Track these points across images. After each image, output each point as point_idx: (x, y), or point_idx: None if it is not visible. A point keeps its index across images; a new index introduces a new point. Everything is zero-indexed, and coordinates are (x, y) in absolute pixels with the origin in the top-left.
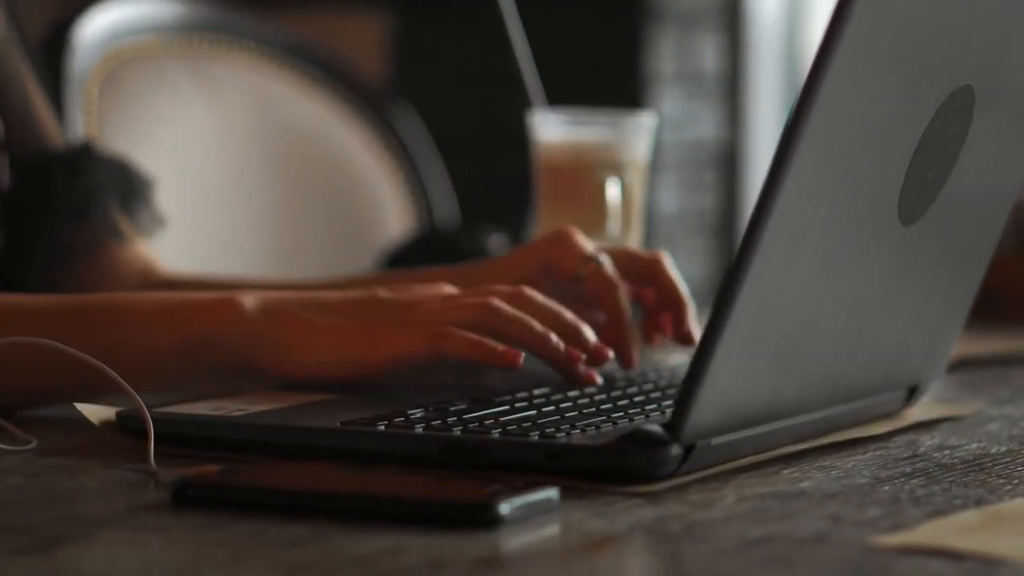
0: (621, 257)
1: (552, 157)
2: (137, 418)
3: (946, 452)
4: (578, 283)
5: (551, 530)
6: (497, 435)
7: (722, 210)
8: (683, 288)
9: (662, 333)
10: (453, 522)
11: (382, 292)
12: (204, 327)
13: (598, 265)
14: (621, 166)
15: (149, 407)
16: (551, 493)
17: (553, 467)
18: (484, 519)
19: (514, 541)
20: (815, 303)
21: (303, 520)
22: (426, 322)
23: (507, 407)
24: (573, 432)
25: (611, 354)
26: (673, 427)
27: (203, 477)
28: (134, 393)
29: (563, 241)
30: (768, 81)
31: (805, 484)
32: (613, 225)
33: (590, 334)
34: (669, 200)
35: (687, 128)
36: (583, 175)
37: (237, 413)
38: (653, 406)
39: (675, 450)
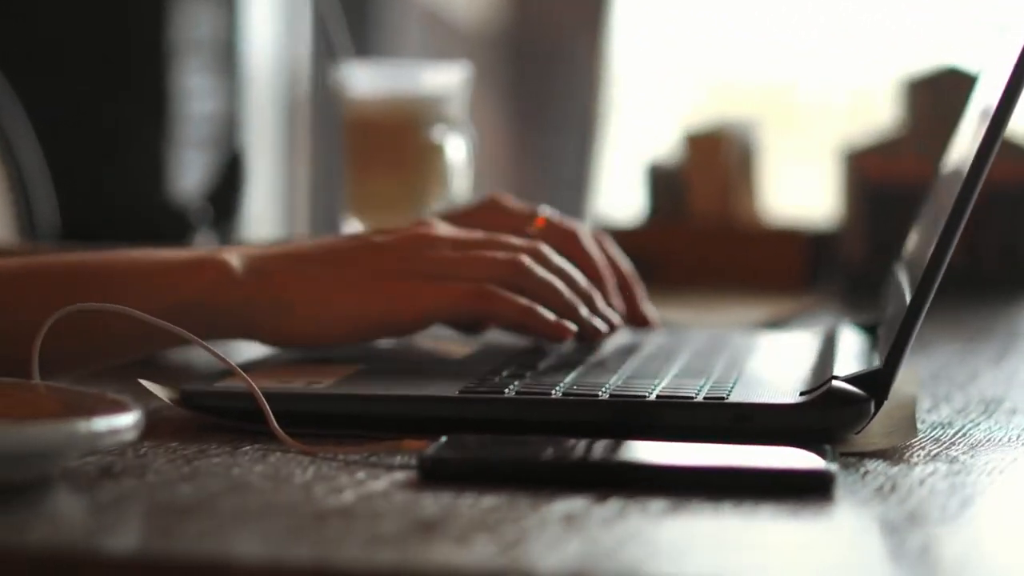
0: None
1: (369, 114)
2: (203, 394)
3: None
4: None
5: (873, 495)
6: (660, 398)
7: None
8: (624, 264)
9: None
10: (791, 490)
11: (375, 236)
12: (195, 289)
13: (547, 219)
14: (453, 121)
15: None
16: (833, 457)
17: (737, 429)
18: (823, 486)
19: (866, 509)
20: None
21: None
22: (458, 275)
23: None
24: (732, 392)
25: (619, 320)
26: (881, 386)
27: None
28: (241, 371)
29: (498, 206)
30: (266, 51)
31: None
32: (458, 186)
33: (600, 301)
34: (191, 176)
35: (205, 100)
36: (409, 133)
37: (320, 386)
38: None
39: (872, 408)
